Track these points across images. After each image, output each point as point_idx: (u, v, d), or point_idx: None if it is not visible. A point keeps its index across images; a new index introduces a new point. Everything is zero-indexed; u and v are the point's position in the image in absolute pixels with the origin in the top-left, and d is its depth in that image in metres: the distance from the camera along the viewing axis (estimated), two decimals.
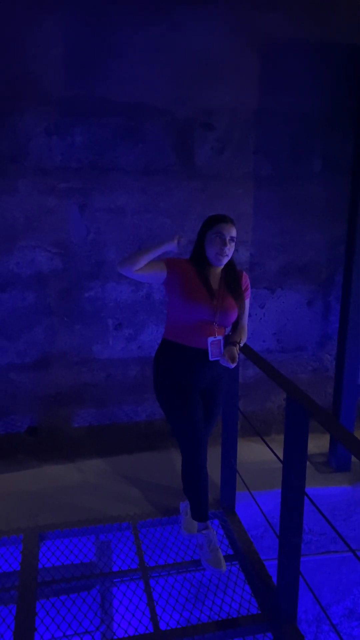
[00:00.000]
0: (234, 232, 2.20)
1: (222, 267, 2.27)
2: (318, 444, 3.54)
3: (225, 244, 2.17)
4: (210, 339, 2.22)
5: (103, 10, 3.00)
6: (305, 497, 2.02)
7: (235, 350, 2.22)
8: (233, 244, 2.21)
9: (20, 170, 3.10)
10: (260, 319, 3.63)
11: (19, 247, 3.20)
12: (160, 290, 3.42)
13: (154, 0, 3.03)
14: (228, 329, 2.35)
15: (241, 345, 2.32)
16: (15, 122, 3.04)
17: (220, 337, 2.25)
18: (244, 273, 2.37)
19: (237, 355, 2.20)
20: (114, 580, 2.46)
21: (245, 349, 2.50)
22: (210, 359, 2.23)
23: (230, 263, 2.29)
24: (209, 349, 2.22)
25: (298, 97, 3.33)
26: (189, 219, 3.33)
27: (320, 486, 3.20)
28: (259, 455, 3.40)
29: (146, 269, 2.15)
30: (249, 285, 2.38)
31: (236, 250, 3.34)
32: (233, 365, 2.18)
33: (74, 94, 3.08)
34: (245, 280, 2.36)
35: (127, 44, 3.06)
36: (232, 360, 2.17)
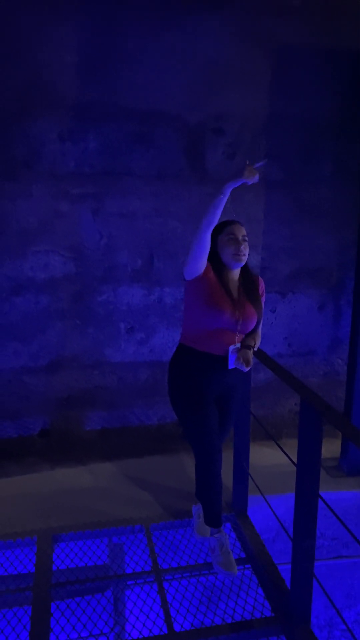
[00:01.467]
0: (244, 232, 2.20)
1: (239, 270, 2.26)
2: (329, 448, 3.52)
3: (240, 243, 2.16)
4: (232, 347, 2.19)
5: (116, 18, 3.04)
6: (319, 500, 2.02)
7: (250, 353, 2.22)
8: (247, 244, 2.20)
9: (34, 175, 3.14)
10: (272, 323, 3.64)
11: (32, 251, 3.23)
12: (171, 295, 3.44)
13: (166, 8, 3.08)
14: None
15: (255, 349, 2.32)
16: (29, 127, 3.09)
17: (239, 345, 2.24)
18: (260, 278, 2.36)
19: (251, 359, 2.21)
20: (128, 582, 2.47)
21: (257, 353, 2.51)
22: (230, 367, 2.21)
23: (246, 267, 2.28)
24: (230, 357, 2.19)
25: (308, 103, 3.36)
26: None
27: (331, 490, 3.19)
28: (270, 459, 3.40)
29: (204, 253, 2.07)
30: (264, 290, 2.37)
31: None
32: (247, 369, 2.19)
33: (86, 100, 3.12)
34: (261, 285, 2.35)
35: (139, 51, 3.10)
36: (247, 363, 2.17)
